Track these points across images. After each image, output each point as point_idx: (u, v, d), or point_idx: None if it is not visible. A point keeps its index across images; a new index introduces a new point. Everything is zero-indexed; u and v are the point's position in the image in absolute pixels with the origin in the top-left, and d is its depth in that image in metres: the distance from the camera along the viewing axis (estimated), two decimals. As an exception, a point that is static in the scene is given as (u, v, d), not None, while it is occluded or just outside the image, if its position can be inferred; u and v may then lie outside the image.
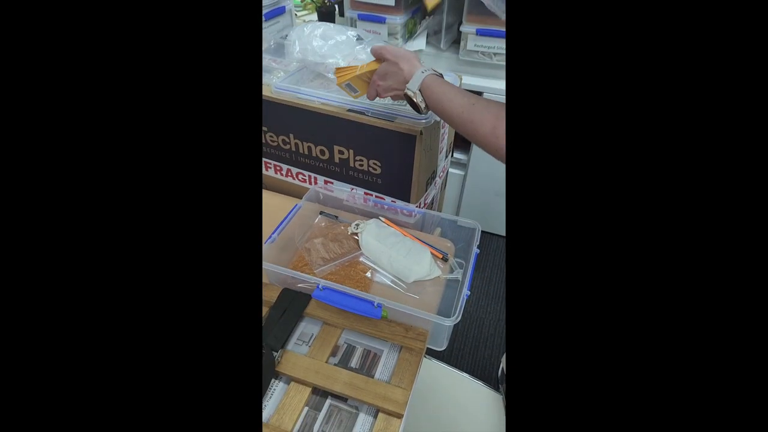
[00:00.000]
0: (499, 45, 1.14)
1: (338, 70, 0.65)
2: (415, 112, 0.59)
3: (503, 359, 0.88)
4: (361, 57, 0.72)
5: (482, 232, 0.66)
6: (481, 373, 1.18)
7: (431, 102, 0.55)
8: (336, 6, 1.42)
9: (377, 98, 0.63)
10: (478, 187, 1.41)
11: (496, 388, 0.91)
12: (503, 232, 1.54)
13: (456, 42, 1.30)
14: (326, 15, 1.39)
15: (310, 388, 0.51)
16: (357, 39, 0.76)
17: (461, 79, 0.78)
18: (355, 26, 1.23)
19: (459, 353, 1.23)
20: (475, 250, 0.63)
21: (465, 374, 0.93)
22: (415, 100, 0.55)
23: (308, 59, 0.73)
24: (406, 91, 0.56)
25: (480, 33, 1.13)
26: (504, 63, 1.16)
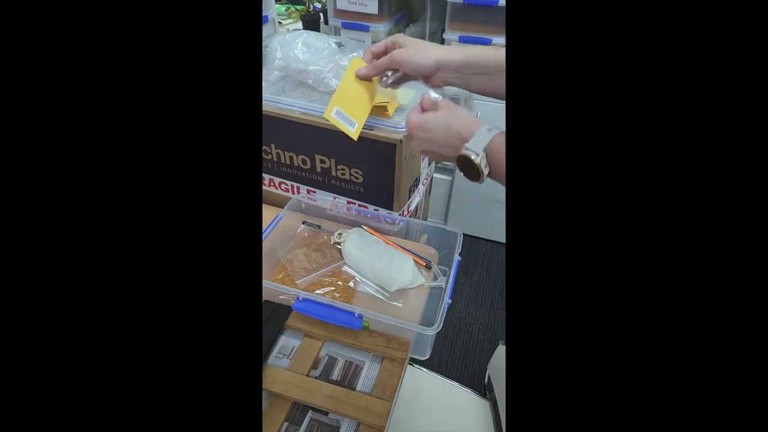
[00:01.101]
0: (482, 52, 1.15)
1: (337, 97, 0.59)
2: (467, 175, 0.44)
3: (489, 366, 0.88)
4: (343, 63, 0.72)
5: (471, 236, 0.66)
6: (471, 379, 1.17)
7: (501, 168, 0.41)
8: (321, 14, 1.42)
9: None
10: (466, 192, 1.42)
11: (485, 395, 0.91)
12: (492, 237, 1.54)
13: (440, 49, 1.31)
14: (311, 23, 1.40)
15: (291, 402, 0.50)
16: (339, 46, 0.77)
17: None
18: (339, 34, 1.23)
19: (448, 360, 1.23)
20: (456, 257, 0.63)
21: (454, 383, 0.92)
22: (477, 163, 0.41)
23: (290, 66, 0.73)
24: (464, 152, 0.41)
25: (462, 40, 1.14)
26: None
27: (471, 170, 0.42)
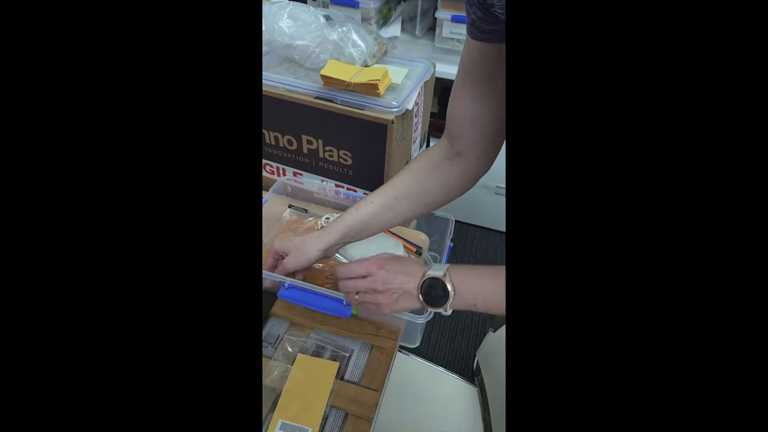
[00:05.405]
0: (475, 32, 1.11)
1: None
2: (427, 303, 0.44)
3: (478, 352, 0.87)
4: (332, 38, 0.68)
5: (459, 222, 0.65)
6: (458, 364, 1.17)
7: (472, 287, 0.43)
8: (308, -11, 1.36)
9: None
10: (455, 178, 1.40)
11: (472, 381, 0.91)
12: (482, 223, 1.54)
13: (432, 29, 1.27)
14: (297, -2, 1.33)
15: (276, 393, 0.48)
16: (327, 20, 0.72)
17: (435, 66, 0.75)
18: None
19: (436, 345, 1.23)
20: (448, 243, 0.61)
21: (442, 369, 0.92)
22: (445, 281, 0.42)
23: (275, 40, 0.69)
24: (431, 273, 0.43)
25: (455, 19, 1.10)
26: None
27: (432, 297, 0.43)
